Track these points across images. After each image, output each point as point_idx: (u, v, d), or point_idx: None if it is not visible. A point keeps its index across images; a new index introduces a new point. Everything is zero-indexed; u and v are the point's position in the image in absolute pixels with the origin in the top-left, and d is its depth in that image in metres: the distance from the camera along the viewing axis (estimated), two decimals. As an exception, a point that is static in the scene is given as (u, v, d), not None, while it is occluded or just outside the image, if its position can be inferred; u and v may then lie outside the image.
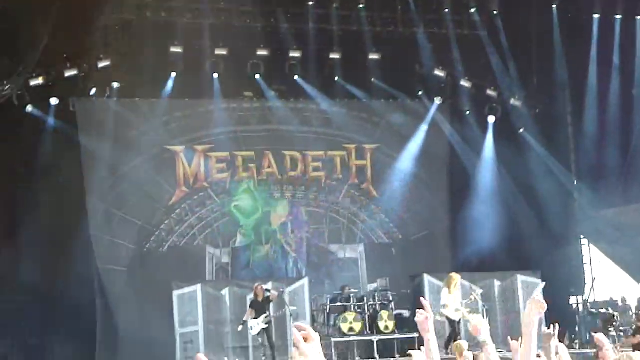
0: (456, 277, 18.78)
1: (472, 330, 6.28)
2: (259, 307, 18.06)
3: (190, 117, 23.29)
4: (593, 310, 20.28)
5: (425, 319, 5.29)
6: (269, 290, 18.26)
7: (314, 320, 19.83)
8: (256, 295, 18.17)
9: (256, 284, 18.54)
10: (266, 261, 23.40)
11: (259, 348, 18.77)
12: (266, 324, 18.01)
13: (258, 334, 18.07)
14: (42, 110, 21.04)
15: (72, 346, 19.28)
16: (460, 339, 18.02)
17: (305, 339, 3.37)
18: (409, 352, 6.62)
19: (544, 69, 23.40)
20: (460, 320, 18.49)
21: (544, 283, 6.02)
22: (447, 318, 18.44)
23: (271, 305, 18.28)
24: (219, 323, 19.22)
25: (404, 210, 24.19)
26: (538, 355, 6.67)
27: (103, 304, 21.47)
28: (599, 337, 9.66)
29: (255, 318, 17.93)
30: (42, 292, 19.76)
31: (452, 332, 18.47)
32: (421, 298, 5.86)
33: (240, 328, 18.15)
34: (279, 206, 23.82)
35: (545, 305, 5.46)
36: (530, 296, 19.46)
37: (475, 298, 19.33)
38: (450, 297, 18.37)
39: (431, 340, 5.44)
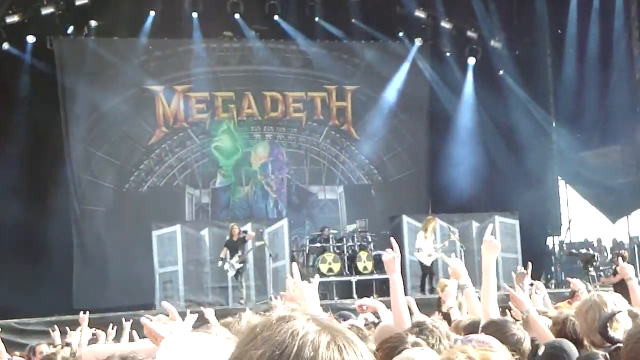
0: (433, 221, 18.94)
1: (451, 274, 6.35)
2: (233, 247, 18.13)
3: (170, 56, 23.11)
4: (573, 251, 20.41)
5: (392, 259, 5.47)
6: (246, 232, 18.31)
7: (293, 261, 19.94)
8: (231, 235, 18.21)
9: (232, 224, 18.60)
10: (246, 202, 23.43)
11: (237, 288, 18.91)
12: (240, 263, 18.07)
13: (235, 275, 18.18)
14: (19, 49, 20.79)
15: (50, 287, 19.26)
16: (434, 279, 18.33)
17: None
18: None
19: (524, 10, 23.30)
20: (432, 263, 18.67)
21: (491, 225, 6.12)
22: (420, 262, 18.64)
23: (246, 245, 18.30)
24: (198, 263, 19.23)
25: (383, 151, 24.18)
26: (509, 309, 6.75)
27: (80, 244, 21.51)
28: (575, 281, 9.77)
29: (231, 259, 18.01)
30: (20, 232, 19.71)
31: (423, 276, 18.69)
32: (391, 238, 5.92)
33: (220, 263, 18.21)
34: (259, 147, 23.78)
35: (499, 245, 5.66)
36: (508, 238, 19.70)
37: (453, 239, 19.50)
38: (425, 242, 18.56)
39: (396, 280, 5.58)
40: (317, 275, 3.89)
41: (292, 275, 4.00)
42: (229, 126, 23.42)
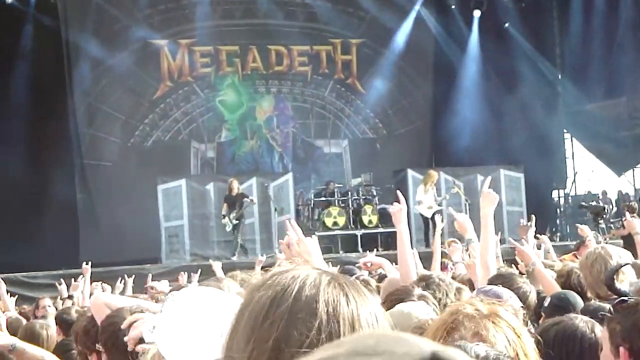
0: (434, 175, 18.97)
1: (458, 228, 6.38)
2: (232, 202, 18.10)
3: (173, 10, 22.95)
4: (583, 203, 20.41)
5: (399, 210, 5.58)
6: (249, 198, 18.25)
7: (298, 215, 19.99)
8: (230, 190, 18.18)
9: (230, 179, 18.57)
10: (251, 155, 23.45)
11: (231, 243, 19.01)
12: (237, 219, 18.06)
13: (231, 229, 18.18)
14: (23, 3, 20.60)
15: (56, 241, 19.36)
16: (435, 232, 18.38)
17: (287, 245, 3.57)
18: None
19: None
20: (433, 215, 18.74)
21: (489, 177, 6.09)
22: (421, 214, 18.70)
23: (244, 201, 18.25)
24: (203, 217, 19.27)
25: (388, 105, 24.12)
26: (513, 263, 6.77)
27: (85, 199, 21.55)
28: (584, 228, 9.79)
29: (230, 214, 18.01)
30: (24, 186, 19.74)
31: (426, 228, 18.76)
32: (398, 191, 6.03)
33: (223, 220, 18.22)
34: (264, 101, 23.75)
35: (497, 196, 5.75)
36: (513, 191, 19.71)
37: (458, 192, 19.53)
38: (425, 195, 18.63)
39: (403, 231, 5.72)
40: (314, 235, 3.91)
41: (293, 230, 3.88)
42: (234, 80, 23.35)
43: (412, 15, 23.68)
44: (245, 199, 18.16)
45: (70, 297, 9.14)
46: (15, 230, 19.44)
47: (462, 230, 6.28)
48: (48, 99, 20.81)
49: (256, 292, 1.92)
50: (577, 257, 10.06)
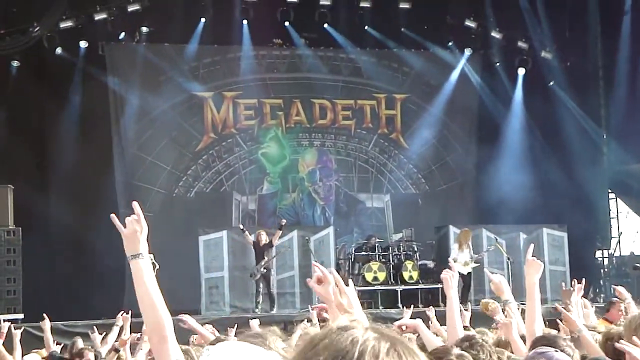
0: (469, 234, 19.11)
1: (494, 289, 6.34)
2: (259, 252, 18.11)
3: (219, 63, 23.26)
4: (638, 265, 20.15)
5: (451, 276, 5.79)
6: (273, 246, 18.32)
7: (339, 269, 19.98)
8: (258, 241, 18.15)
9: (258, 230, 18.58)
10: (293, 208, 23.50)
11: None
12: (265, 269, 18.06)
13: (258, 279, 18.17)
14: (72, 54, 21.08)
15: (100, 291, 19.53)
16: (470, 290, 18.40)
17: (319, 281, 3.54)
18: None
19: (576, 21, 23.18)
20: (469, 273, 18.73)
21: (532, 245, 5.97)
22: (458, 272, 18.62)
23: (270, 251, 18.28)
24: (244, 269, 19.22)
25: (432, 161, 24.18)
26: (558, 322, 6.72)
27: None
28: (620, 289, 9.69)
29: (257, 264, 18.02)
30: (69, 235, 20.00)
31: (463, 286, 18.70)
32: (450, 261, 6.21)
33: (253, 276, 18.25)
34: (307, 154, 23.86)
35: (542, 264, 5.67)
36: (556, 250, 19.52)
37: (499, 249, 19.49)
38: (461, 253, 18.68)
39: (453, 297, 5.89)
40: (350, 281, 3.87)
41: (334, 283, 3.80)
42: (277, 133, 23.50)
43: (457, 72, 23.84)
44: (272, 245, 18.22)
45: (116, 350, 9.15)
46: (57, 279, 19.68)
47: (498, 292, 6.30)
48: (94, 148, 21.12)
49: (312, 356, 1.90)
50: (607, 320, 9.96)
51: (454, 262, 18.33)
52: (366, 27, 22.91)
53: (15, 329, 9.58)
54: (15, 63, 20.13)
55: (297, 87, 23.72)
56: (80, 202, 20.27)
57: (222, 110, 23.25)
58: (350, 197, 24.02)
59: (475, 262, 18.83)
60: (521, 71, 23.75)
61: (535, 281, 5.69)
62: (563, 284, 8.88)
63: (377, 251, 20.04)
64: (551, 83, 23.70)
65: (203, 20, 21.78)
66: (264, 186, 23.49)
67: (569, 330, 6.13)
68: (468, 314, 10.30)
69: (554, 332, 6.41)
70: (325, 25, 22.65)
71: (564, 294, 7.46)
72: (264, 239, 18.14)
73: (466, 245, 18.91)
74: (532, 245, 5.98)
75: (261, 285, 18.23)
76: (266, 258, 18.05)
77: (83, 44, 21.07)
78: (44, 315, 10.43)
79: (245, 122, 23.47)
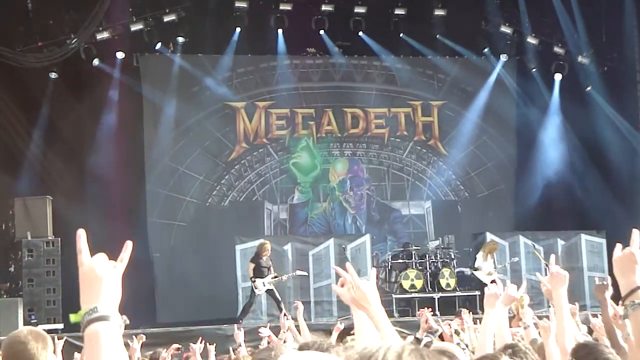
0: (495, 247, 19.42)
1: (545, 291, 6.31)
2: (258, 264, 18.12)
3: (253, 73, 23.86)
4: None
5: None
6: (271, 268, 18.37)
7: (376, 276, 20.35)
8: (264, 254, 18.17)
9: (266, 242, 18.52)
10: (324, 218, 23.94)
11: (320, 303, 19.38)
12: (272, 284, 18.15)
13: (267, 292, 18.25)
14: (108, 65, 21.61)
15: (133, 300, 19.96)
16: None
17: (342, 284, 3.67)
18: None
19: (613, 26, 23.38)
20: (493, 281, 19.02)
21: (553, 255, 5.92)
22: (479, 279, 19.07)
23: (271, 268, 18.28)
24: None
25: (471, 167, 24.57)
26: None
27: (161, 258, 22.23)
28: None
29: (259, 277, 18.03)
30: (108, 244, 20.45)
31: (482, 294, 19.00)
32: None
33: (255, 283, 18.16)
34: (337, 163, 24.31)
35: (566, 274, 5.43)
36: (595, 257, 19.80)
37: (537, 255, 19.86)
38: (484, 262, 18.99)
39: (491, 314, 5.80)
40: (373, 269, 4.21)
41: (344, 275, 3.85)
42: (308, 142, 24.01)
43: (493, 78, 24.23)
44: (271, 260, 18.30)
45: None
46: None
47: (548, 294, 6.04)
48: (129, 159, 21.75)
49: None
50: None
51: (477, 270, 18.90)
52: (401, 35, 23.26)
53: (57, 339, 9.81)
54: (53, 75, 20.64)
55: (330, 96, 24.21)
56: (116, 212, 20.85)
57: (254, 120, 23.80)
58: (383, 205, 24.40)
59: (498, 273, 19.11)
60: (558, 76, 24.02)
61: (561, 293, 5.49)
62: (596, 278, 8.50)
63: (414, 258, 20.32)
64: (588, 88, 23.93)
65: (238, 29, 22.28)
66: (295, 195, 23.98)
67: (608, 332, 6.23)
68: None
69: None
70: (360, 33, 23.02)
71: (597, 290, 7.15)
72: (268, 254, 18.28)
73: (491, 256, 19.27)
74: (553, 257, 5.83)
75: (253, 299, 18.32)
76: (273, 273, 18.19)
77: (119, 55, 21.61)
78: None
79: (277, 132, 24.00)
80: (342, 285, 3.70)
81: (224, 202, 23.47)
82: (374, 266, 20.54)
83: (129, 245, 2.94)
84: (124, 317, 2.89)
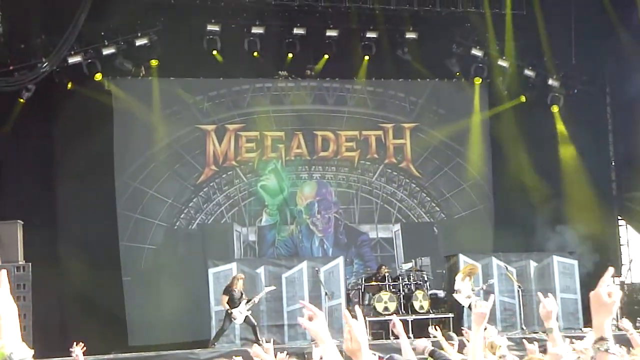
0: (476, 270, 19.78)
1: (542, 314, 6.54)
2: (232, 295, 18.36)
3: (225, 96, 24.06)
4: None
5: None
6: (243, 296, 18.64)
7: (349, 300, 20.61)
8: (235, 285, 18.42)
9: (241, 275, 18.73)
10: (291, 240, 24.08)
11: (293, 326, 19.41)
12: (249, 310, 18.37)
13: (244, 320, 18.42)
14: (80, 88, 21.70)
15: (104, 324, 20.07)
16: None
17: (311, 318, 3.65)
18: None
19: (582, 48, 23.91)
20: (469, 305, 19.16)
21: (540, 294, 5.79)
22: (457, 302, 19.37)
23: (243, 295, 18.50)
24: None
25: (447, 188, 24.83)
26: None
27: (131, 282, 22.28)
28: (624, 322, 10.03)
29: (236, 306, 18.25)
30: (79, 269, 20.60)
31: (461, 316, 19.35)
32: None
33: (234, 312, 18.32)
34: (305, 186, 24.50)
35: (552, 309, 5.37)
36: (567, 278, 20.11)
37: (510, 277, 20.21)
38: (463, 284, 19.27)
39: (478, 332, 5.76)
40: (357, 307, 4.27)
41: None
42: (276, 165, 24.20)
43: (466, 100, 24.73)
44: (246, 299, 18.47)
45: None
46: (67, 314, 20.25)
47: (545, 318, 5.96)
48: (100, 182, 21.83)
49: None
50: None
51: (457, 292, 19.18)
52: (371, 58, 23.61)
53: None
54: (24, 98, 20.70)
55: (301, 119, 24.45)
56: (88, 235, 20.97)
57: (224, 142, 23.98)
58: (351, 228, 24.58)
59: (476, 295, 19.33)
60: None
61: (551, 326, 5.53)
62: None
63: (387, 281, 20.46)
64: (556, 109, 24.43)
65: (211, 53, 22.50)
66: (263, 218, 24.12)
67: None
68: (456, 343, 11.01)
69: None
70: (332, 57, 23.37)
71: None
72: (242, 284, 18.55)
73: (469, 279, 19.56)
74: (540, 294, 5.77)
75: (230, 326, 18.54)
76: (246, 299, 18.40)
77: (91, 79, 21.66)
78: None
79: (246, 155, 24.16)
80: (310, 319, 3.67)
81: (191, 225, 23.55)
82: (348, 289, 20.74)
83: (3, 274, 2.71)
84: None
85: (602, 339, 3.70)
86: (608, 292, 3.69)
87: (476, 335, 5.71)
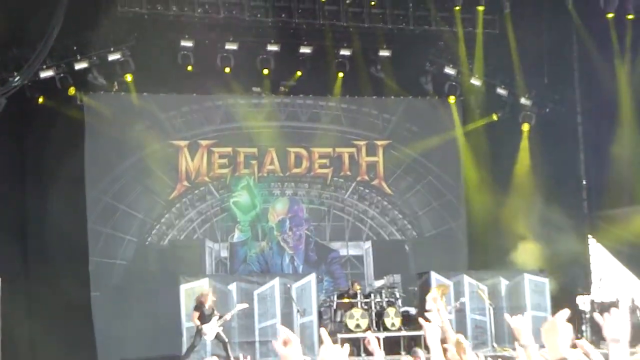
0: (446, 292, 19.84)
1: (515, 333, 6.50)
2: (208, 315, 18.38)
3: (197, 112, 24.09)
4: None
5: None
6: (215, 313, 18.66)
7: (320, 317, 20.65)
8: (205, 302, 18.41)
9: (210, 290, 18.81)
10: (262, 257, 24.09)
11: (265, 343, 19.49)
12: (220, 326, 18.43)
13: (215, 337, 18.48)
14: (52, 103, 21.72)
15: (70, 341, 20.00)
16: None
17: (285, 343, 3.66)
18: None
19: (555, 67, 24.30)
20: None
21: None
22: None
23: (214, 311, 18.51)
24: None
25: (419, 206, 24.92)
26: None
27: (100, 297, 22.18)
28: (582, 343, 9.78)
29: (206, 322, 18.28)
30: (50, 284, 20.55)
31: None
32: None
33: (206, 329, 18.38)
34: (277, 203, 24.51)
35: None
36: (538, 296, 20.21)
37: (481, 295, 20.36)
38: (434, 304, 19.33)
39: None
40: (323, 329, 4.30)
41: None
42: (249, 182, 24.21)
43: (438, 117, 24.91)
44: (217, 315, 18.48)
45: None
46: (38, 331, 20.16)
47: (517, 335, 6.42)
48: (71, 196, 21.73)
49: None
50: None
51: (428, 312, 19.23)
52: (345, 75, 23.74)
53: None
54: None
55: (274, 135, 24.45)
56: (58, 250, 20.89)
57: (197, 158, 23.99)
58: (321, 246, 24.61)
59: (449, 313, 19.58)
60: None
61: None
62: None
63: (359, 298, 20.53)
64: (526, 127, 24.59)
65: (183, 69, 22.49)
66: (235, 234, 24.13)
67: None
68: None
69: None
70: (305, 73, 23.54)
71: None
72: (211, 299, 18.55)
73: (441, 299, 19.63)
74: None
75: (220, 339, 18.57)
76: (217, 315, 18.42)
77: (63, 94, 21.64)
78: None
79: (219, 171, 24.18)
80: (285, 344, 3.66)
81: (163, 241, 23.52)
82: (319, 306, 20.77)
83: None
84: None
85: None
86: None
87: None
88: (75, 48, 21.20)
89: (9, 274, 18.17)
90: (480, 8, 23.11)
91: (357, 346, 19.72)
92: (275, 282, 20.08)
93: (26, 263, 20.95)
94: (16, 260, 20.02)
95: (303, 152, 24.74)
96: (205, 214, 24.02)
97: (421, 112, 25.05)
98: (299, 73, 23.73)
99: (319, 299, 21.27)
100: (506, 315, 5.86)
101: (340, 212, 24.81)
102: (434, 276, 20.83)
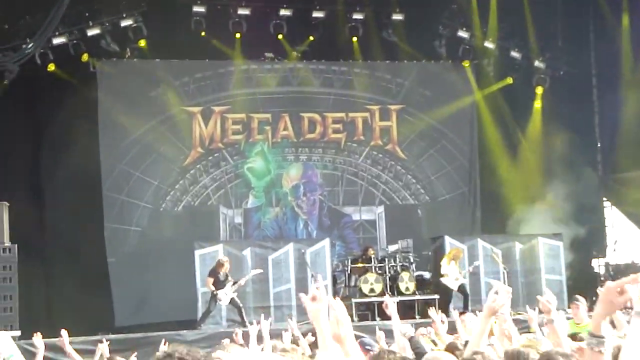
0: (460, 255, 19.82)
1: (542, 308, 6.26)
2: (217, 278, 18.31)
3: (210, 78, 24.04)
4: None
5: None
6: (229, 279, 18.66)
7: (335, 281, 20.69)
8: (222, 269, 18.33)
9: (226, 260, 18.64)
10: (276, 222, 24.19)
11: (279, 308, 19.61)
12: (234, 292, 18.38)
13: (229, 302, 18.40)
14: (64, 70, 21.75)
15: (97, 305, 20.19)
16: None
17: (314, 299, 3.79)
18: None
19: (569, 30, 24.19)
20: (462, 285, 19.45)
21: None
22: (445, 286, 19.50)
23: (229, 277, 18.42)
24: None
25: (432, 171, 24.91)
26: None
27: (116, 263, 22.35)
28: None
29: (221, 288, 18.22)
30: (66, 249, 20.71)
31: (449, 298, 19.42)
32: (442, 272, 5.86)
33: (220, 294, 18.23)
34: (291, 169, 24.57)
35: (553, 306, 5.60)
36: (552, 259, 20.29)
37: (495, 259, 20.37)
38: (449, 268, 19.40)
39: (488, 322, 5.84)
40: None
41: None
42: (263, 147, 24.24)
43: (452, 81, 24.84)
44: (232, 280, 18.39)
45: None
46: (54, 295, 20.35)
47: (545, 311, 6.13)
48: (85, 163, 21.76)
49: None
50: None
51: (444, 276, 19.31)
52: (358, 39, 23.70)
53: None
54: (7, 80, 20.56)
55: (287, 101, 24.47)
56: (74, 216, 21.03)
57: (210, 124, 23.99)
58: (334, 210, 24.65)
59: (463, 277, 19.56)
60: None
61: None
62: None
63: (373, 263, 20.50)
64: (539, 90, 24.58)
65: (197, 34, 22.46)
66: (249, 200, 24.20)
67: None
68: (446, 324, 11.13)
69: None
70: (318, 38, 23.44)
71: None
72: (226, 269, 18.46)
73: (455, 263, 19.67)
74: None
75: (234, 304, 18.51)
76: (231, 281, 18.35)
77: (75, 60, 21.64)
78: (62, 331, 10.15)
79: (233, 137, 24.20)
80: (314, 300, 3.78)
81: (177, 207, 23.60)
82: (334, 271, 20.77)
83: None
84: None
85: (598, 336, 3.70)
86: (621, 289, 3.54)
87: (484, 324, 5.72)
88: (87, 14, 21.20)
89: (25, 241, 18.22)
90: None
91: (372, 310, 19.89)
92: (290, 247, 20.09)
93: (42, 230, 21.08)
94: (32, 228, 20.10)
95: (317, 117, 24.70)
96: (219, 180, 24.08)
97: (434, 76, 24.95)
98: (311, 38, 23.64)
99: (333, 264, 21.27)
100: (546, 289, 5.72)
101: (354, 176, 24.83)
102: (448, 240, 20.81)
